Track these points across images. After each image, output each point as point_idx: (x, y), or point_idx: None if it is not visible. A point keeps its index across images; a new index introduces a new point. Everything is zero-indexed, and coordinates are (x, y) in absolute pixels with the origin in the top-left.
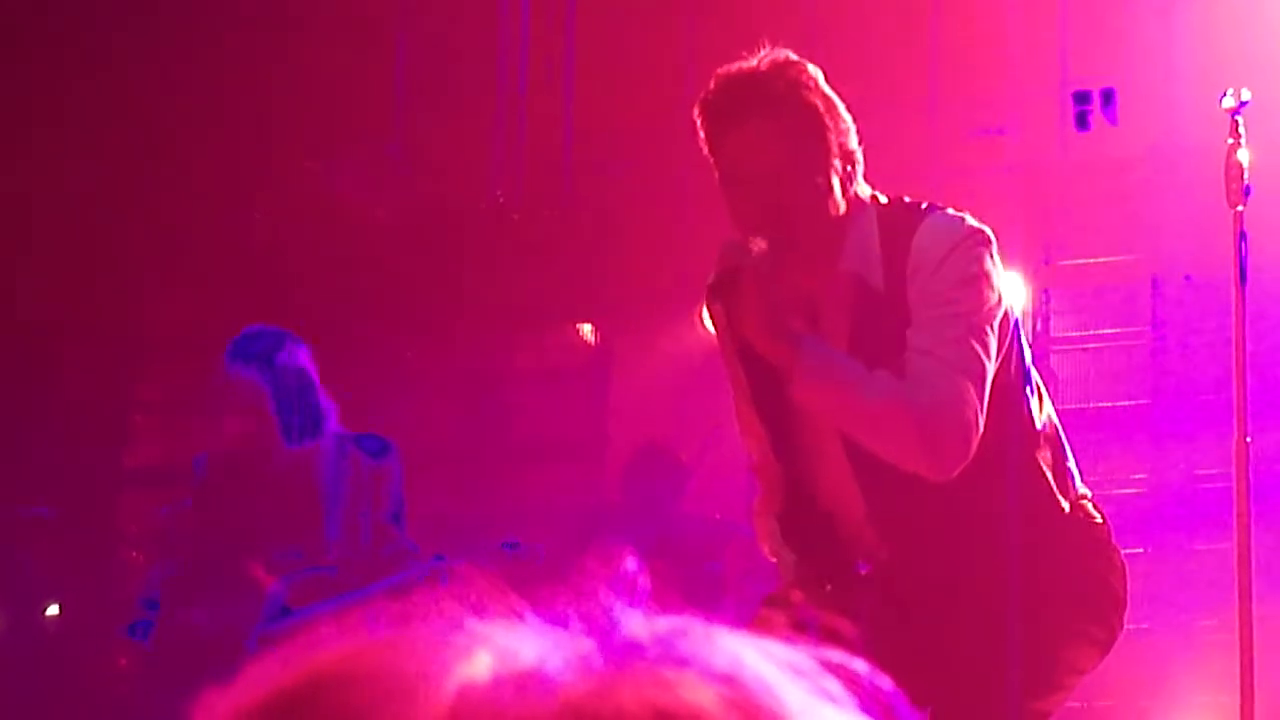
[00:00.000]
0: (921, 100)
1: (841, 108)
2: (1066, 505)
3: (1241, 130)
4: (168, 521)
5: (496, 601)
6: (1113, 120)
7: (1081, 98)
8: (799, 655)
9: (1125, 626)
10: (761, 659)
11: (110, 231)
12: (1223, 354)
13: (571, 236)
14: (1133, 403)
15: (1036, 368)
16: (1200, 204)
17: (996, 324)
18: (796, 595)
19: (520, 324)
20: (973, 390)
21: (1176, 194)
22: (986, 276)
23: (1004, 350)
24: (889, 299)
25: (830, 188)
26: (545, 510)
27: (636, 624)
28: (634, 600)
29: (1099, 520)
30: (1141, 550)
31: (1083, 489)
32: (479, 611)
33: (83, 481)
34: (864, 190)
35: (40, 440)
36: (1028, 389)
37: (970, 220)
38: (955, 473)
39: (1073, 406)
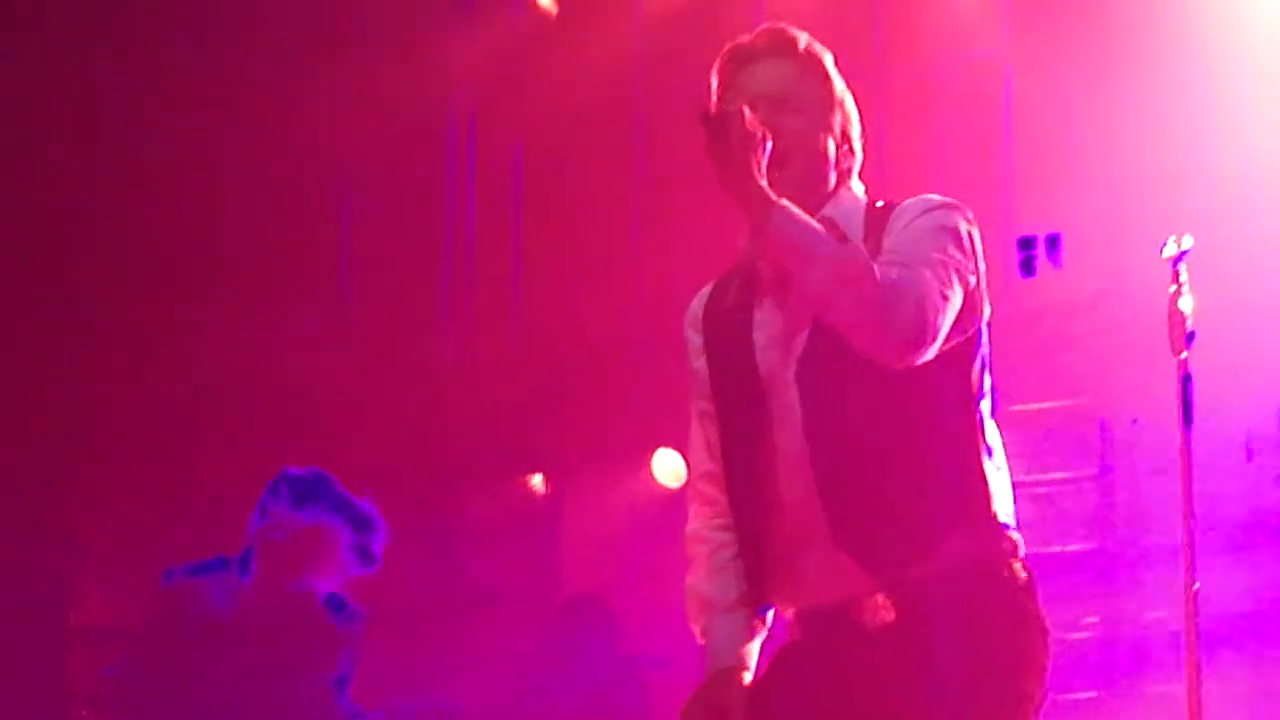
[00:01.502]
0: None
1: (850, 100)
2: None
3: (1184, 278)
4: (113, 681)
5: None
6: (1058, 265)
7: (1026, 243)
8: None
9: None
10: None
11: (48, 375)
12: (1170, 496)
13: (520, 388)
14: (1083, 546)
15: None
16: (1146, 347)
17: (967, 281)
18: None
19: (469, 474)
20: (936, 293)
21: (1123, 338)
22: (961, 235)
23: (971, 335)
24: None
25: (825, 147)
26: (492, 662)
27: None
28: None
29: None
30: (1094, 694)
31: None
32: None
33: (29, 638)
34: (858, 187)
35: None
36: (984, 401)
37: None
38: (904, 361)
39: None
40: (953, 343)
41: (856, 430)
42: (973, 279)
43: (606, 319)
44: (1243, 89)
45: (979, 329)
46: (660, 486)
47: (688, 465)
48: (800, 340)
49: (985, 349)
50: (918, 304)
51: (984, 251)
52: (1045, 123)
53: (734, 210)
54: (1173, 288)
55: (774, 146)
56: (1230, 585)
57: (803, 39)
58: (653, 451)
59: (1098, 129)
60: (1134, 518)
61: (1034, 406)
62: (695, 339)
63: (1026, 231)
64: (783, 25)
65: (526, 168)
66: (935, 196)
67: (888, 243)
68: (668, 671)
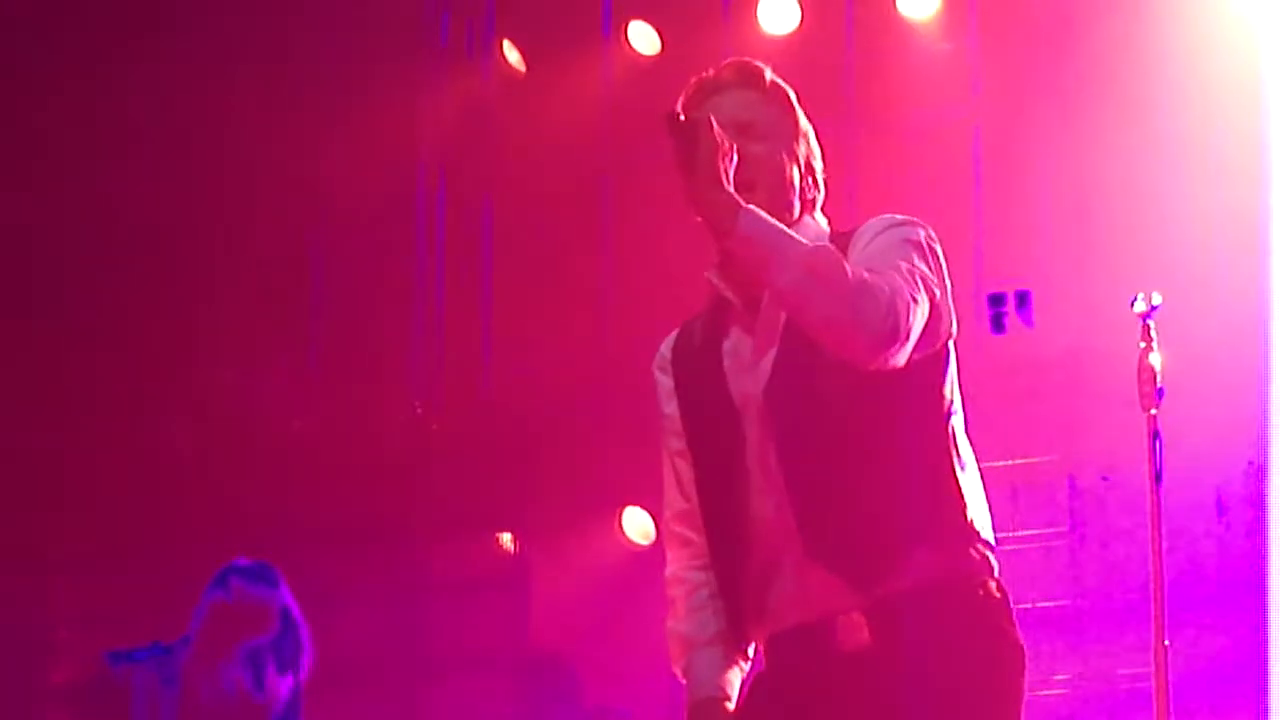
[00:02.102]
0: None
1: (814, 135)
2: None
3: (1153, 334)
4: None
5: None
6: (1028, 322)
7: (996, 300)
8: None
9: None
10: None
11: (20, 446)
12: (1141, 553)
13: (490, 446)
14: (1053, 603)
15: None
16: (1116, 404)
17: (933, 291)
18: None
19: (438, 533)
20: (907, 294)
21: (1092, 395)
22: (924, 248)
23: (939, 350)
24: None
25: (791, 175)
26: None
27: None
28: None
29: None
30: None
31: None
32: None
33: (3, 699)
34: (821, 219)
35: None
36: (955, 418)
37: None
38: (877, 359)
39: None
40: (921, 354)
41: (828, 443)
42: (938, 291)
43: (576, 376)
44: (1211, 145)
45: (946, 344)
46: (630, 544)
47: (657, 523)
48: (769, 360)
49: (954, 366)
50: (889, 302)
51: (954, 306)
52: (1014, 180)
53: (703, 251)
54: (1142, 344)
55: (740, 171)
56: (1201, 642)
57: (768, 71)
58: (622, 510)
59: (1067, 186)
60: (1104, 575)
61: (1003, 464)
62: (665, 381)
63: (996, 289)
64: (747, 59)
65: (496, 225)
66: (897, 215)
67: (853, 257)
68: None
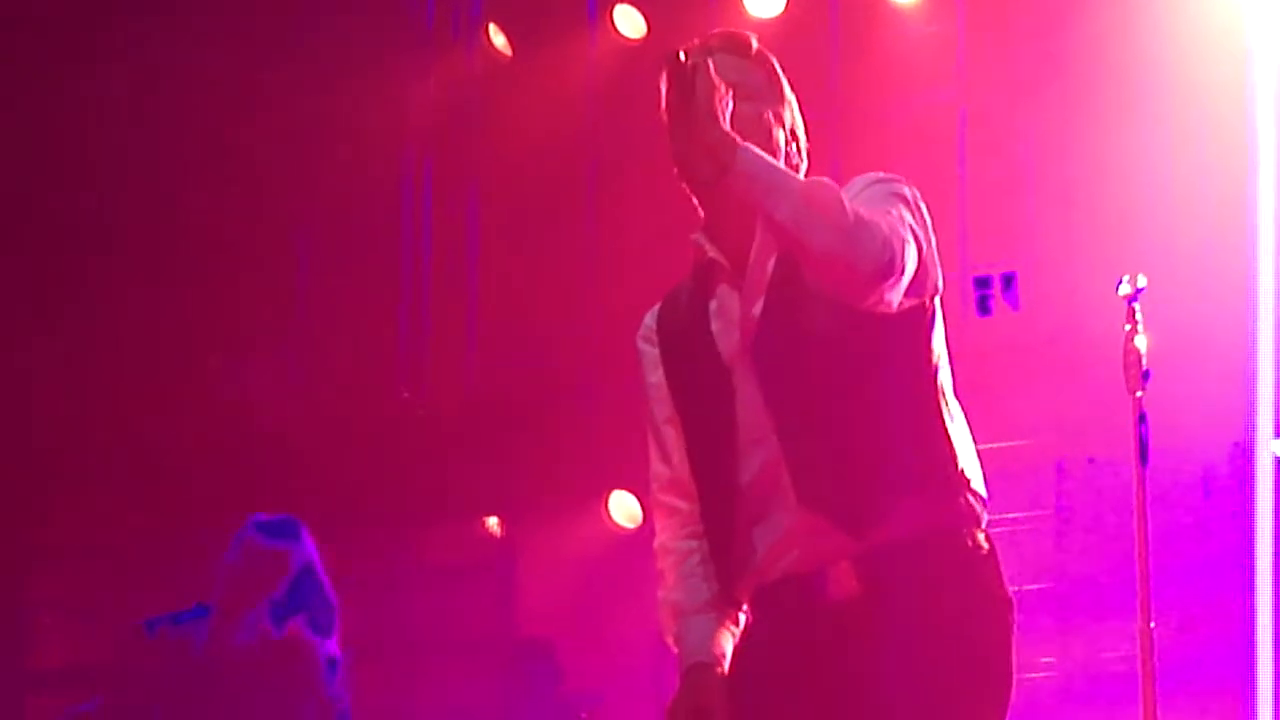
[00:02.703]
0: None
1: (797, 106)
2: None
3: (1139, 316)
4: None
5: None
6: (1014, 305)
7: (982, 282)
8: None
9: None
10: None
11: (9, 434)
12: (1127, 536)
13: (476, 431)
14: (1039, 586)
15: None
16: (1102, 386)
17: (920, 242)
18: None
19: (425, 518)
20: (901, 231)
21: (1079, 377)
22: (910, 200)
23: (925, 303)
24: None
25: (778, 138)
26: (447, 703)
27: None
28: None
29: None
30: None
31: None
32: None
33: None
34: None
35: None
36: (942, 374)
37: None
38: (874, 292)
39: None
40: (908, 304)
41: (818, 390)
42: (924, 245)
43: (562, 362)
44: (1198, 128)
45: (933, 300)
46: (616, 528)
47: (643, 506)
48: (757, 310)
49: (940, 323)
50: (885, 238)
51: (941, 288)
52: (1000, 163)
53: (688, 230)
54: (1128, 326)
55: (730, 126)
56: (1188, 624)
57: (754, 40)
58: (609, 494)
59: (1053, 169)
60: (1090, 557)
61: (989, 446)
62: (650, 351)
63: (982, 271)
64: (734, 29)
65: (482, 209)
66: (883, 173)
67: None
68: (621, 712)
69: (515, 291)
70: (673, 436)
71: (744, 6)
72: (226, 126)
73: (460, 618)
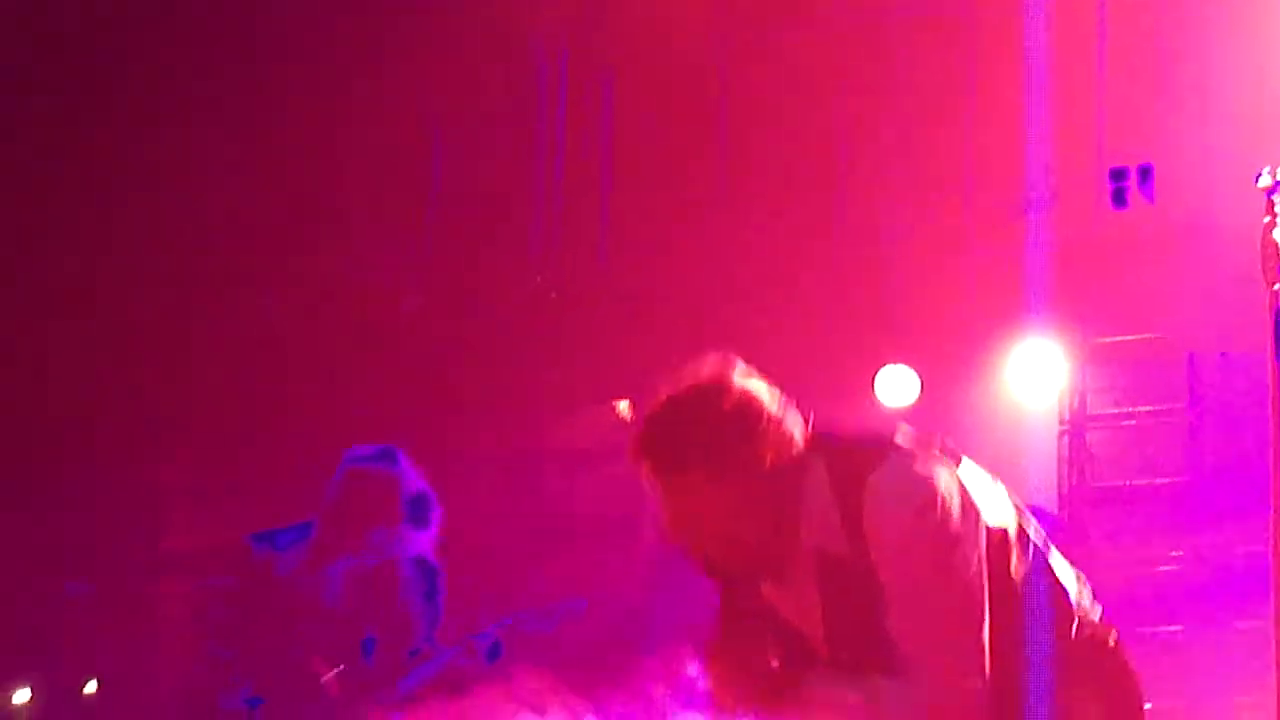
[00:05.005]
0: (958, 181)
1: (752, 412)
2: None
3: (1278, 209)
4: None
5: (556, 702)
6: (1150, 197)
7: (1118, 175)
8: None
9: (1156, 706)
10: None
11: (141, 319)
12: (1259, 430)
13: (608, 316)
14: (1169, 480)
15: (1074, 443)
16: (1236, 281)
17: (981, 564)
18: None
19: (557, 402)
20: (973, 681)
21: (1213, 271)
22: (955, 541)
23: (1000, 562)
24: (854, 565)
25: (758, 534)
26: (578, 589)
27: None
28: (691, 703)
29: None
30: (1179, 628)
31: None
32: (539, 711)
33: (119, 561)
34: (798, 437)
35: (76, 520)
36: (1034, 580)
37: (918, 471)
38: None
39: (1109, 484)
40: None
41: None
42: (975, 561)
43: (695, 248)
44: None
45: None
46: None
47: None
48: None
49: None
50: (965, 699)
51: (1077, 183)
52: (1138, 56)
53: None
54: (1267, 219)
55: (733, 559)
56: None
57: (664, 452)
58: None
59: (1190, 61)
60: (1222, 452)
61: (1122, 338)
62: None
63: (1119, 163)
64: (636, 441)
65: (616, 102)
66: (903, 495)
67: (891, 588)
68: None
69: (648, 180)
70: None
71: None
72: (361, 26)
73: (587, 503)
